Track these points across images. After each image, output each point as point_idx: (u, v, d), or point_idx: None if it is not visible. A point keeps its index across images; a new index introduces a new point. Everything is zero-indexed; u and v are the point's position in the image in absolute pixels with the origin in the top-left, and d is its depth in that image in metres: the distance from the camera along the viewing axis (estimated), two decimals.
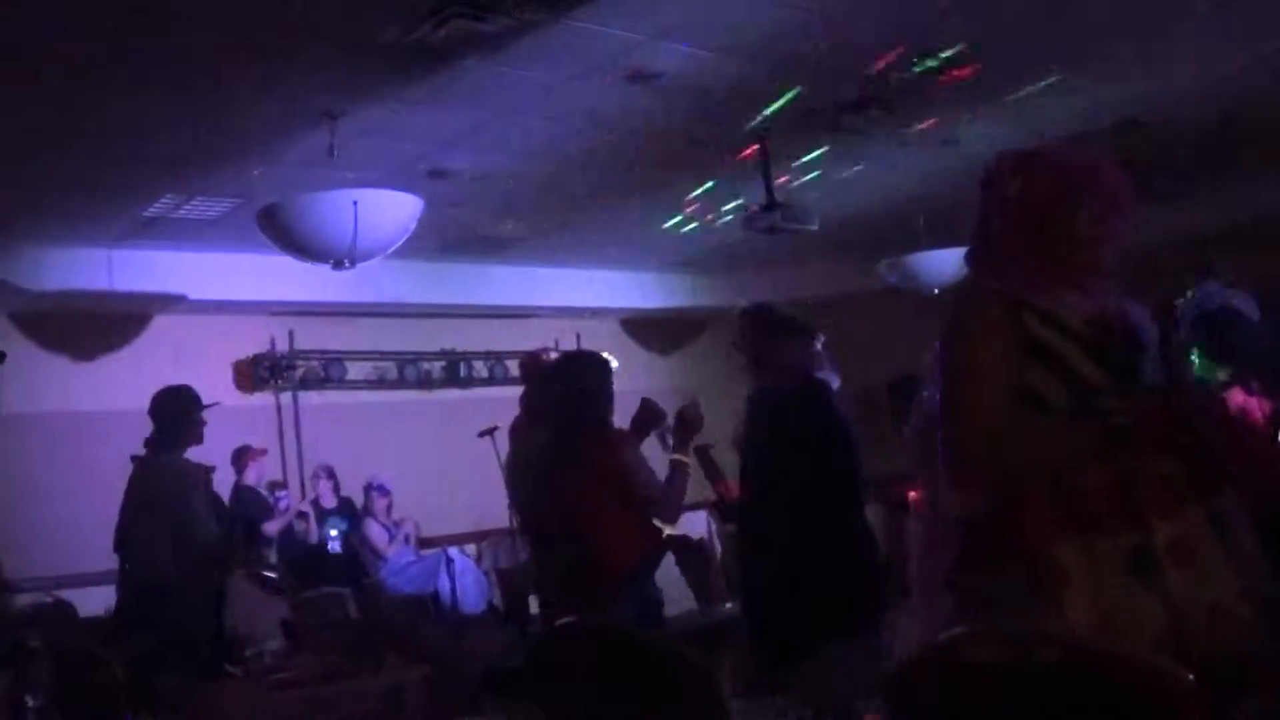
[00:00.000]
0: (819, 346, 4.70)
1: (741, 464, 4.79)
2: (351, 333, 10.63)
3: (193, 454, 9.38)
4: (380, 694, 2.10)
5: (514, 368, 9.34)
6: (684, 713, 2.51)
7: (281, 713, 2.08)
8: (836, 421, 4.59)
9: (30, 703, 2.44)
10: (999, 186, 2.71)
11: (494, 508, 8.61)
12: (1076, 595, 2.40)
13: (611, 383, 5.07)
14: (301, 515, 9.33)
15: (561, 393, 5.01)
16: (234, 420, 9.37)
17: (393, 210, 6.36)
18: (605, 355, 5.30)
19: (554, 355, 6.19)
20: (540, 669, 3.03)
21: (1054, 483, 2.49)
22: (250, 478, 9.24)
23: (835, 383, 4.69)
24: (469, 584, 9.56)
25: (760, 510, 4.69)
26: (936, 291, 9.16)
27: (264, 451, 9.41)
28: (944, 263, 8.93)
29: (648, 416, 5.01)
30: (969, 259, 2.81)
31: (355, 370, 10.68)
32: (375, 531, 9.73)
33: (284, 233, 6.35)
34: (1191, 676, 1.82)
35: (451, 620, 8.81)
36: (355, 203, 6.05)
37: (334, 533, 9.35)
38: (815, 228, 8.00)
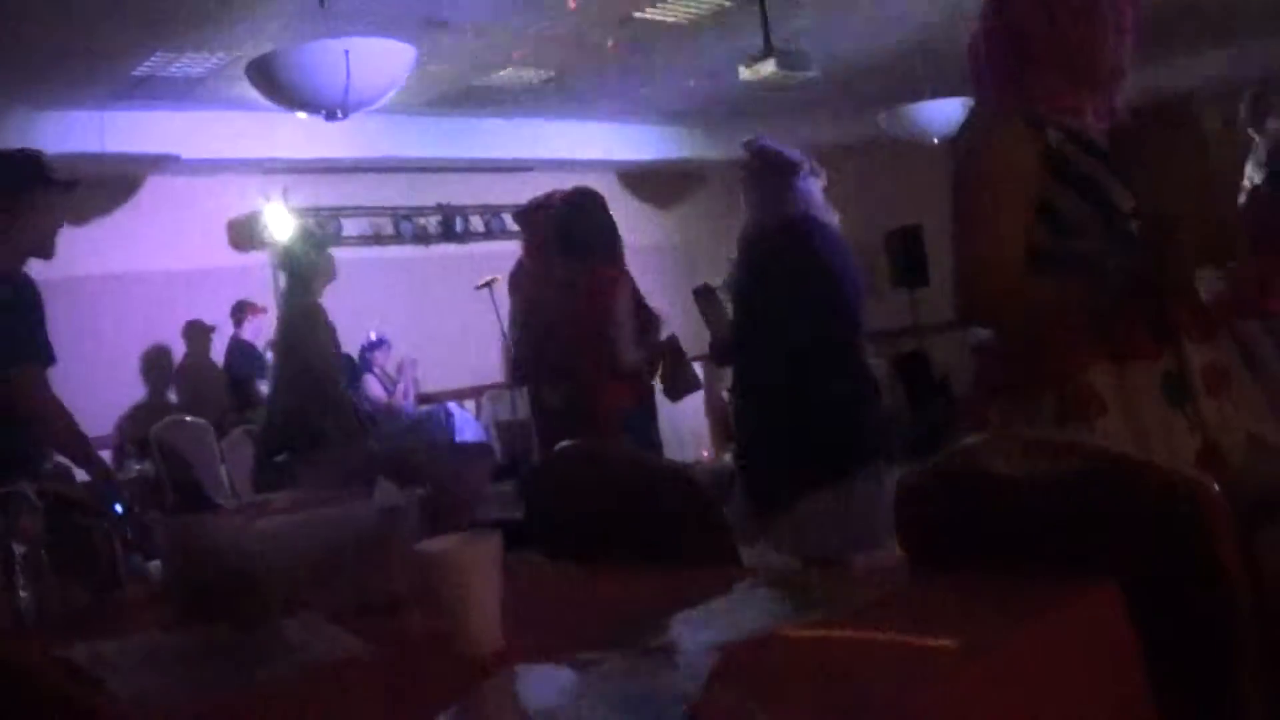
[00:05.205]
0: (819, 186, 4.52)
1: (734, 306, 4.68)
2: (346, 189, 10.52)
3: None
4: (373, 516, 2.08)
5: (510, 222, 9.24)
6: (686, 538, 2.41)
7: (269, 540, 2.07)
8: (827, 258, 4.39)
9: (17, 550, 2.37)
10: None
11: (492, 362, 8.62)
12: (1111, 421, 2.30)
13: (611, 216, 5.06)
14: None
15: (568, 227, 4.99)
16: (230, 279, 9.37)
17: (386, 59, 6.23)
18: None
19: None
20: (539, 493, 2.94)
21: (1083, 307, 2.37)
22: (248, 333, 9.23)
23: (834, 220, 4.49)
24: (469, 439, 9.61)
25: (750, 352, 4.57)
26: (936, 142, 9.06)
27: (264, 309, 9.34)
28: (944, 113, 8.82)
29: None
30: (975, 79, 2.62)
31: (351, 226, 10.60)
32: (373, 387, 9.74)
33: (275, 85, 6.22)
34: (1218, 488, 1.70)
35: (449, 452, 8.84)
36: (347, 52, 5.93)
37: None
38: (815, 75, 7.88)
